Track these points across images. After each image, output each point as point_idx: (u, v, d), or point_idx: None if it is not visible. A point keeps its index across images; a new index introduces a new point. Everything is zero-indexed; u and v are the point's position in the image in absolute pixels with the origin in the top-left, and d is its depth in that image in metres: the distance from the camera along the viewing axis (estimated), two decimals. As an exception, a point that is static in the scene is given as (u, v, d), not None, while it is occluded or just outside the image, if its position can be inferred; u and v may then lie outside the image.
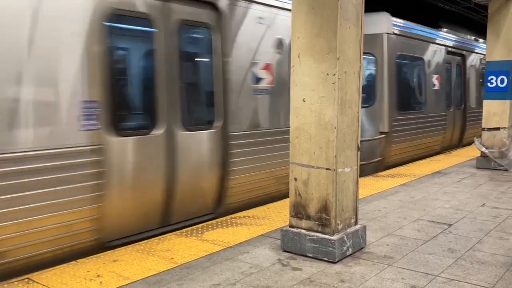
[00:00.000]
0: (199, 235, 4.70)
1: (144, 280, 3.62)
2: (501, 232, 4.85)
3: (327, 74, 3.95)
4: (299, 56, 4.11)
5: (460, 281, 3.60)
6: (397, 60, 9.24)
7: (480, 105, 11.61)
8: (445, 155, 10.84)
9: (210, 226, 4.99)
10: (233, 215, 5.43)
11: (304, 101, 4.09)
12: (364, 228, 4.38)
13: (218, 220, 5.24)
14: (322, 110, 4.00)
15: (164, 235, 4.68)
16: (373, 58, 8.98)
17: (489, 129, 8.74)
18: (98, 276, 3.67)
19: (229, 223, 5.12)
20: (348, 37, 4.01)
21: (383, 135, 8.79)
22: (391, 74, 8.96)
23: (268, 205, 5.91)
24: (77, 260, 3.99)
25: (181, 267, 3.88)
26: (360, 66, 4.19)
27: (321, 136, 4.03)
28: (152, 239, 4.58)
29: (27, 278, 3.63)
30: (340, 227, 4.10)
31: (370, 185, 7.17)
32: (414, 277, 3.68)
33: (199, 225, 5.03)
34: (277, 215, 5.45)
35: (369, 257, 4.13)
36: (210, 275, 3.72)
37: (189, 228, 4.91)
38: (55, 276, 3.66)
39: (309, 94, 4.06)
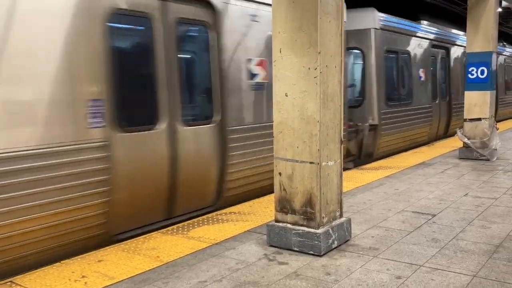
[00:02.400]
0: (185, 232, 4.68)
1: (130, 279, 3.60)
2: (483, 221, 4.92)
3: (309, 68, 3.95)
4: (280, 51, 4.10)
5: (444, 270, 3.65)
6: (384, 55, 9.48)
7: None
8: (428, 146, 10.96)
9: (196, 223, 4.97)
10: (218, 212, 5.42)
11: (286, 95, 4.10)
12: (349, 220, 4.41)
13: (204, 217, 5.23)
14: (305, 105, 4.01)
15: (150, 234, 4.66)
16: (361, 52, 9.23)
17: (471, 120, 8.85)
18: (83, 276, 3.64)
19: (215, 219, 5.11)
20: (329, 31, 4.02)
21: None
22: (379, 68, 9.22)
23: (254, 201, 5.92)
24: (62, 262, 3.94)
25: (167, 265, 3.86)
26: (341, 60, 4.21)
27: (304, 130, 4.04)
28: (138, 238, 4.55)
29: (10, 281, 3.58)
30: (325, 220, 4.12)
31: (355, 178, 7.22)
32: (399, 268, 3.72)
33: (185, 223, 5.01)
34: (263, 210, 5.45)
35: (354, 249, 4.16)
36: (196, 272, 3.71)
37: (174, 226, 4.89)
38: (39, 278, 3.62)
39: (291, 89, 4.07)
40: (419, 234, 4.54)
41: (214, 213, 5.36)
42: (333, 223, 4.20)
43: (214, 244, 4.35)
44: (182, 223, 4.99)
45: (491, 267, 3.71)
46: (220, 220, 5.08)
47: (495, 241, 4.29)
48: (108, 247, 4.30)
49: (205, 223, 4.99)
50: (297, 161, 4.11)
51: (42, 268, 3.81)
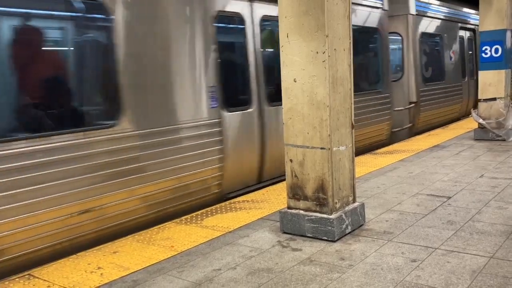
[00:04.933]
0: (199, 222, 4.70)
1: (144, 269, 3.63)
2: (500, 202, 4.85)
3: (317, 52, 3.90)
4: (287, 36, 4.05)
5: (460, 252, 3.61)
6: (420, 38, 10.49)
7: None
8: (443, 128, 10.81)
9: (209, 213, 4.99)
10: (231, 200, 5.43)
11: (295, 81, 4.05)
12: (362, 205, 4.38)
13: (217, 206, 5.24)
14: (314, 90, 3.96)
15: (164, 224, 4.69)
16: (400, 37, 10.21)
17: (486, 100, 8.69)
18: (99, 268, 3.68)
19: (228, 208, 5.12)
20: (336, 13, 3.95)
21: (412, 105, 10.27)
22: (416, 51, 10.26)
23: (267, 188, 5.91)
24: (78, 254, 3.99)
25: (181, 254, 3.89)
26: (350, 42, 4.14)
27: (314, 116, 4.00)
28: (152, 228, 4.58)
29: (28, 274, 3.63)
30: (338, 205, 4.10)
31: (368, 163, 7.16)
32: (414, 251, 3.69)
33: (198, 212, 5.03)
34: (276, 197, 5.45)
35: (368, 233, 4.13)
36: (211, 260, 3.73)
37: (188, 216, 4.91)
38: (56, 270, 3.67)
39: (299, 74, 4.02)
40: (434, 217, 4.49)
41: (227, 202, 5.38)
42: (346, 208, 4.18)
43: (227, 232, 4.36)
44: (196, 213, 5.01)
45: (508, 248, 3.65)
46: (233, 209, 5.09)
47: (512, 222, 4.23)
48: (123, 238, 4.34)
49: (219, 212, 5.01)
50: (308, 147, 4.07)
51: (59, 261, 3.86)
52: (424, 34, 10.76)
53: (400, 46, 10.28)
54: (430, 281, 3.16)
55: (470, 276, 3.20)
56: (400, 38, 10.23)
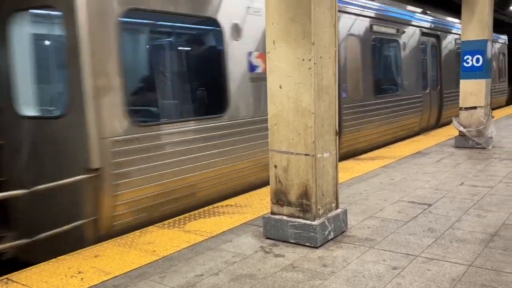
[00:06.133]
0: (182, 226, 4.67)
1: (126, 274, 3.59)
2: (479, 210, 4.94)
3: (303, 59, 3.92)
4: (274, 42, 4.07)
5: (440, 260, 3.67)
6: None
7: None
8: (424, 135, 10.97)
9: (192, 217, 4.97)
10: (215, 204, 5.41)
11: (280, 87, 4.07)
12: (345, 212, 4.41)
13: (201, 210, 5.22)
14: (299, 96, 3.98)
15: (146, 228, 4.65)
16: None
17: (466, 108, 8.85)
18: (79, 272, 3.63)
19: (211, 212, 5.11)
20: (323, 22, 3.99)
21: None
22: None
23: (250, 193, 5.91)
24: (58, 257, 3.93)
25: (163, 259, 3.86)
26: (335, 51, 4.18)
27: (299, 122, 4.02)
28: (134, 232, 4.54)
29: (6, 278, 3.57)
30: (321, 212, 4.12)
31: (350, 169, 7.23)
32: (395, 258, 3.73)
33: (181, 216, 5.01)
34: (259, 202, 5.45)
35: (350, 240, 4.17)
36: (193, 266, 3.71)
37: (171, 220, 4.89)
38: (35, 274, 3.61)
39: (285, 81, 4.04)
40: (415, 224, 4.55)
41: (211, 206, 5.36)
42: (329, 215, 4.21)
43: (210, 237, 4.34)
44: (179, 217, 4.98)
45: (486, 256, 3.72)
46: (216, 213, 5.08)
47: (490, 230, 4.30)
48: (104, 242, 4.29)
49: (202, 216, 4.99)
50: (292, 153, 4.09)
51: (38, 265, 3.80)
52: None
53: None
54: (411, 289, 3.21)
55: (450, 284, 3.25)
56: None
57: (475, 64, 8.72)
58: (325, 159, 4.14)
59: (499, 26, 17.58)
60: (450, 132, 10.63)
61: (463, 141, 8.91)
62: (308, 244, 4.01)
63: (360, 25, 8.87)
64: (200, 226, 4.65)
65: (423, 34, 11.52)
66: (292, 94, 4.01)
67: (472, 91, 8.77)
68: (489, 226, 4.41)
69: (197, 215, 5.04)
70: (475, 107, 8.75)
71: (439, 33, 12.60)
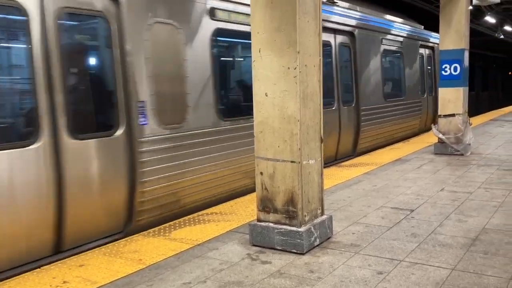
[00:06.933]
0: (167, 234, 4.65)
1: (112, 283, 3.56)
2: (459, 215, 5.05)
3: (288, 68, 3.98)
4: (259, 51, 4.12)
5: (424, 264, 3.74)
6: None
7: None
8: (404, 143, 11.16)
9: (177, 225, 4.95)
10: (200, 212, 5.40)
11: (266, 95, 4.11)
12: (330, 218, 4.46)
13: (186, 218, 5.21)
14: (285, 104, 4.03)
15: (131, 236, 4.61)
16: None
17: (445, 116, 9.05)
18: (65, 282, 3.58)
19: (196, 220, 5.10)
20: (308, 31, 4.05)
21: None
22: None
23: (235, 200, 5.92)
24: (42, 267, 3.87)
25: (150, 268, 3.84)
26: (320, 59, 4.25)
27: (284, 129, 4.06)
28: (119, 241, 4.50)
29: (-11, 289, 3.50)
30: (307, 218, 4.16)
31: (334, 175, 7.30)
32: (380, 263, 3.79)
33: (166, 224, 4.98)
34: (245, 209, 5.46)
35: (336, 246, 4.22)
36: (180, 274, 3.70)
37: (156, 228, 4.86)
38: (19, 285, 3.55)
39: (271, 88, 4.09)
40: (398, 230, 4.63)
41: (196, 214, 5.35)
42: (315, 221, 4.25)
43: (196, 245, 4.34)
44: (164, 225, 4.96)
45: (468, 260, 3.81)
46: (202, 221, 5.07)
47: (471, 235, 4.41)
48: (89, 251, 4.24)
49: (187, 224, 4.98)
50: (278, 160, 4.13)
51: (22, 275, 3.73)
52: None
53: None
54: (396, 293, 3.26)
55: (434, 287, 3.32)
56: None
57: (453, 72, 8.94)
58: (311, 166, 4.19)
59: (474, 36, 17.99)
60: (429, 139, 10.84)
61: (442, 148, 9.10)
62: (295, 251, 4.04)
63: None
64: (185, 234, 4.63)
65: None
66: (278, 102, 4.06)
67: (451, 98, 8.98)
68: (470, 231, 4.52)
69: (182, 223, 5.02)
70: (453, 115, 8.96)
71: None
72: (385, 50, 10.70)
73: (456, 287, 3.33)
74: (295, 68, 3.95)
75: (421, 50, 13.17)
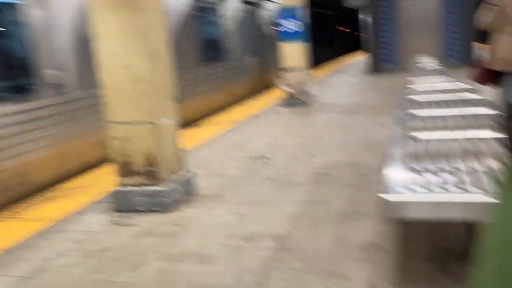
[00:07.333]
0: (18, 216, 4.31)
1: (-41, 275, 3.21)
2: (309, 156, 5.57)
3: (132, 25, 3.87)
4: (102, 8, 3.91)
5: (278, 202, 4.09)
6: None
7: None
8: (255, 100, 11.71)
9: (29, 205, 4.60)
10: (55, 187, 5.08)
11: (111, 55, 3.96)
12: (194, 175, 4.57)
13: (45, 196, 4.85)
14: (132, 64, 3.94)
15: (-23, 225, 4.17)
16: None
17: (288, 69, 9.70)
18: None
19: (52, 197, 4.79)
20: (147, -13, 3.96)
21: None
22: None
23: (94, 173, 5.68)
24: None
25: (5, 251, 3.54)
26: (164, 17, 4.20)
27: (134, 90, 3.98)
28: (-38, 232, 4.04)
29: None
30: (168, 177, 4.20)
31: (194, 136, 7.41)
32: (241, 208, 4.04)
33: (22, 205, 4.60)
34: (105, 179, 5.27)
35: (200, 200, 4.36)
36: (40, 251, 3.49)
37: (3, 211, 4.45)
38: None
39: (115, 47, 3.94)
40: (256, 176, 4.94)
41: (51, 191, 5.01)
42: (178, 179, 4.31)
43: (58, 222, 4.10)
44: (14, 208, 4.57)
45: (317, 193, 4.27)
46: (58, 197, 4.78)
47: (319, 171, 4.92)
48: None
49: (41, 203, 4.65)
50: (131, 123, 4.06)
51: None
52: None
53: None
54: (258, 229, 3.53)
55: (287, 219, 3.68)
56: None
57: (293, 28, 9.54)
58: (166, 126, 4.21)
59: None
60: (278, 94, 11.55)
61: (290, 101, 9.79)
62: (160, 210, 4.08)
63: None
64: (41, 213, 4.34)
65: None
66: (125, 61, 3.95)
67: (292, 53, 9.62)
68: (318, 168, 5.04)
69: (34, 202, 4.67)
70: (296, 68, 9.65)
71: None
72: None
73: (305, 216, 3.72)
74: (139, 26, 3.86)
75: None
